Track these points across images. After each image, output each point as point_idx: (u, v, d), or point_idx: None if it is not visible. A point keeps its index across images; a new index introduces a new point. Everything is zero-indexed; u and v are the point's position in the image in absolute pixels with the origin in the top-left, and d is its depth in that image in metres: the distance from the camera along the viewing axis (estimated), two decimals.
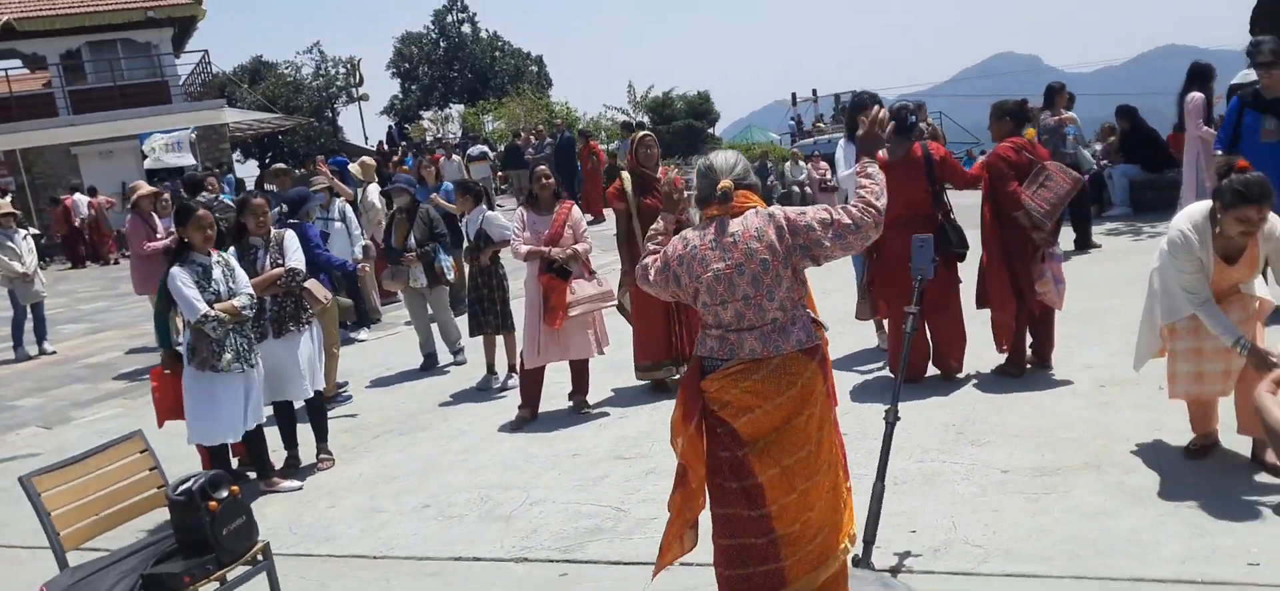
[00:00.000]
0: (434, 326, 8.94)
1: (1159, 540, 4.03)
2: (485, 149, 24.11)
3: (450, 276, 9.15)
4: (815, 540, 3.28)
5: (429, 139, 35.48)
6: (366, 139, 42.57)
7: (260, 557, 4.11)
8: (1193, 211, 4.46)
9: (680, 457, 3.39)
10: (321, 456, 6.53)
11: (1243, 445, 4.70)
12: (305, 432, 6.53)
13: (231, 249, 6.18)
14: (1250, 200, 4.13)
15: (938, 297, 6.36)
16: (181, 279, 5.53)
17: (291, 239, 6.54)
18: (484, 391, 7.92)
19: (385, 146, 35.20)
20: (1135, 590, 3.70)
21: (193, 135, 24.30)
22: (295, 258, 6.41)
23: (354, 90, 47.37)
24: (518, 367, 7.93)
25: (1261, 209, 4.16)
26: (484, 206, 8.05)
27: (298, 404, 6.49)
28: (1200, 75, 9.20)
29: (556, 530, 5.02)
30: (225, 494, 3.97)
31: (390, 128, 43.98)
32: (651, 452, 5.93)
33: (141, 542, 4.14)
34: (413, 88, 50.75)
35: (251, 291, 5.84)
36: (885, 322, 7.08)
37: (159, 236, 10.29)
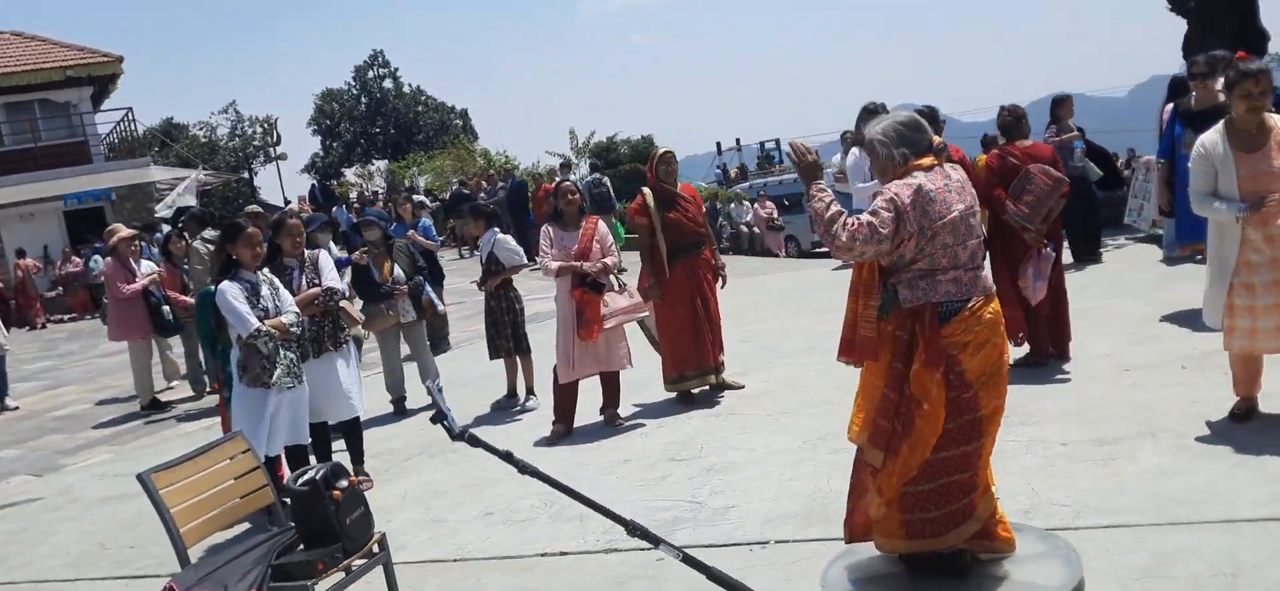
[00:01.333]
0: (406, 367, 8.69)
1: (1237, 488, 4.29)
2: (424, 199, 24.02)
3: (440, 307, 9.15)
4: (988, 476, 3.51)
5: (354, 196, 35.11)
6: (285, 199, 41.96)
7: (376, 549, 4.10)
8: (1205, 134, 4.98)
9: (930, 406, 3.35)
10: (361, 478, 6.47)
11: None
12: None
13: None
14: (1248, 75, 4.68)
15: None
16: (232, 294, 5.49)
17: (326, 259, 6.53)
18: (503, 412, 7.93)
19: (308, 206, 34.69)
20: (1231, 529, 3.94)
21: (201, 174, 24.96)
22: (331, 277, 6.40)
23: (272, 149, 46.72)
24: (529, 386, 8.03)
25: (1259, 80, 4.68)
26: (496, 230, 8.12)
27: (332, 422, 6.45)
28: (1179, 88, 9.73)
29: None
30: (345, 483, 3.97)
31: (313, 186, 43.40)
32: (703, 453, 6.04)
33: (255, 539, 4.09)
34: (334, 144, 50.32)
35: (297, 310, 5.81)
36: None
37: (138, 279, 10.08)
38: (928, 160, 3.43)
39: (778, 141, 39.30)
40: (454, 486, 6.27)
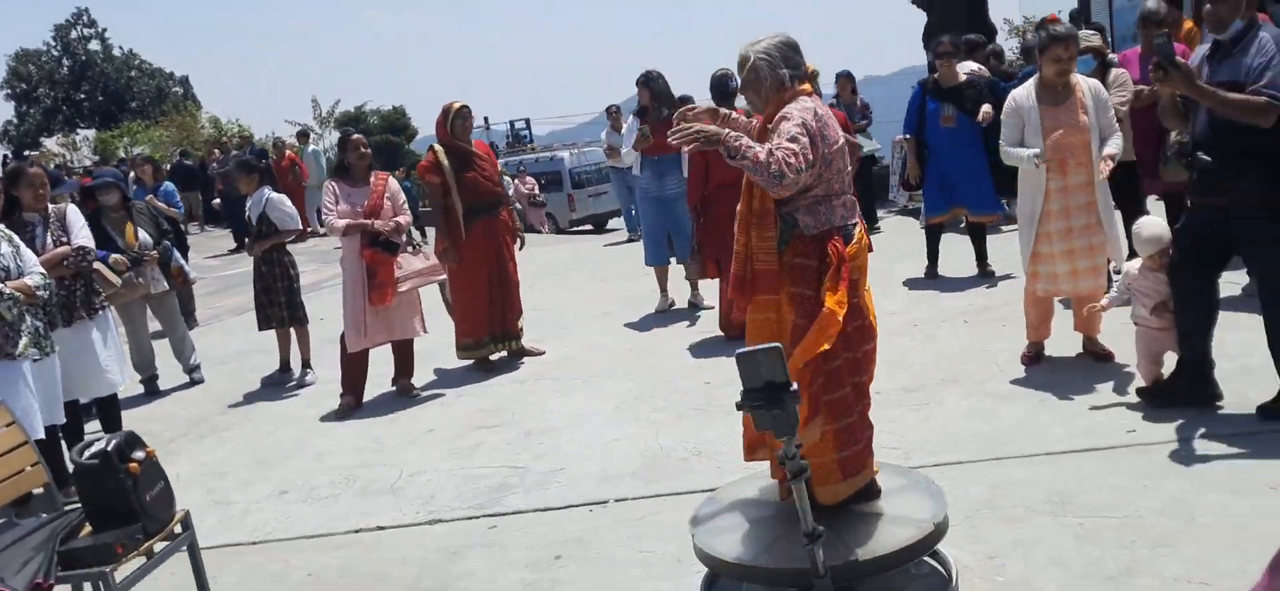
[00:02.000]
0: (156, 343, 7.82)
1: (1043, 425, 4.57)
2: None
3: (192, 276, 8.31)
4: None
5: (54, 166, 31.58)
6: None
7: (180, 528, 3.56)
8: (1017, 89, 5.31)
9: (831, 333, 3.13)
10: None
11: (1067, 349, 5.45)
12: None
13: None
14: (1059, 40, 4.99)
15: None
16: None
17: (75, 215, 5.71)
18: (277, 388, 7.27)
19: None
20: (1051, 462, 4.17)
21: None
22: (83, 235, 5.60)
23: None
24: (305, 359, 7.42)
25: (1068, 46, 5.01)
26: (267, 188, 7.41)
27: (85, 400, 5.65)
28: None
29: (458, 493, 4.77)
30: (143, 454, 3.42)
31: (5, 155, 38.65)
32: (516, 418, 5.77)
33: (25, 524, 3.44)
34: (31, 111, 45.01)
35: (43, 271, 5.01)
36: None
37: None
38: (806, 86, 3.36)
39: (527, 121, 39.10)
40: (237, 465, 5.65)
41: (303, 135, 21.04)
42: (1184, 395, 4.46)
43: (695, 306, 8.01)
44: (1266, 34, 4.07)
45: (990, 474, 4.15)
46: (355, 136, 6.69)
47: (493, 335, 6.94)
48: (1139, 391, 4.69)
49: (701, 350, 6.73)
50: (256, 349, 8.38)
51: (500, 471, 4.97)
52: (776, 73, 3.29)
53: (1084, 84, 5.12)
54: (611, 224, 20.09)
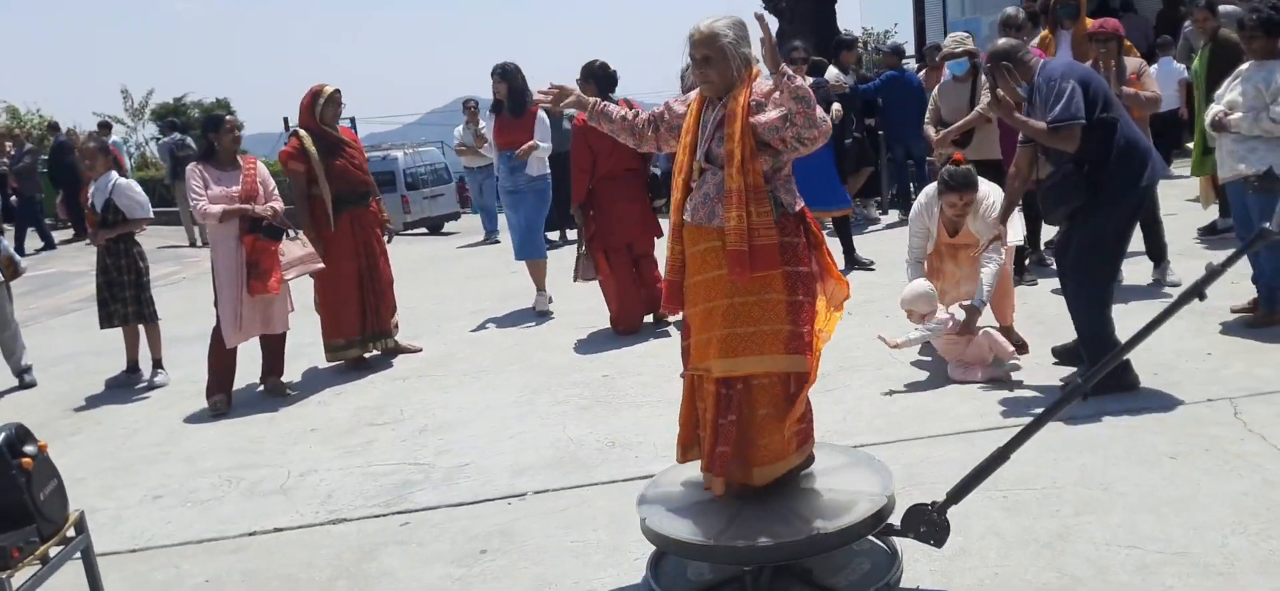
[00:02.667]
0: None
1: (947, 407, 4.72)
2: None
3: (22, 266, 7.61)
4: None
5: None
6: None
7: (74, 531, 3.19)
8: (930, 188, 5.39)
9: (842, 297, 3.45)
10: None
11: None
12: None
13: None
14: (952, 189, 5.10)
15: (645, 245, 6.77)
16: None
17: None
18: (125, 391, 6.71)
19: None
20: (963, 440, 4.30)
21: None
22: None
23: None
24: (156, 358, 6.88)
25: (963, 195, 5.11)
26: (114, 173, 6.82)
27: None
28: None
29: (359, 491, 4.50)
30: (34, 449, 3.04)
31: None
32: (406, 415, 5.52)
33: None
34: None
35: None
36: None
37: None
38: (756, 71, 3.34)
39: (353, 120, 37.74)
40: (94, 471, 5.15)
41: (104, 125, 19.80)
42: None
43: (542, 313, 7.65)
44: (1039, 77, 4.58)
45: (904, 454, 4.23)
46: (229, 119, 6.25)
47: (365, 334, 6.62)
48: (1054, 350, 5.14)
49: (591, 344, 6.63)
50: (89, 350, 7.76)
51: (401, 468, 4.72)
52: (741, 52, 3.24)
53: (982, 202, 5.22)
54: (450, 227, 19.53)
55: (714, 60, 3.21)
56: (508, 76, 7.54)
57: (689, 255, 3.33)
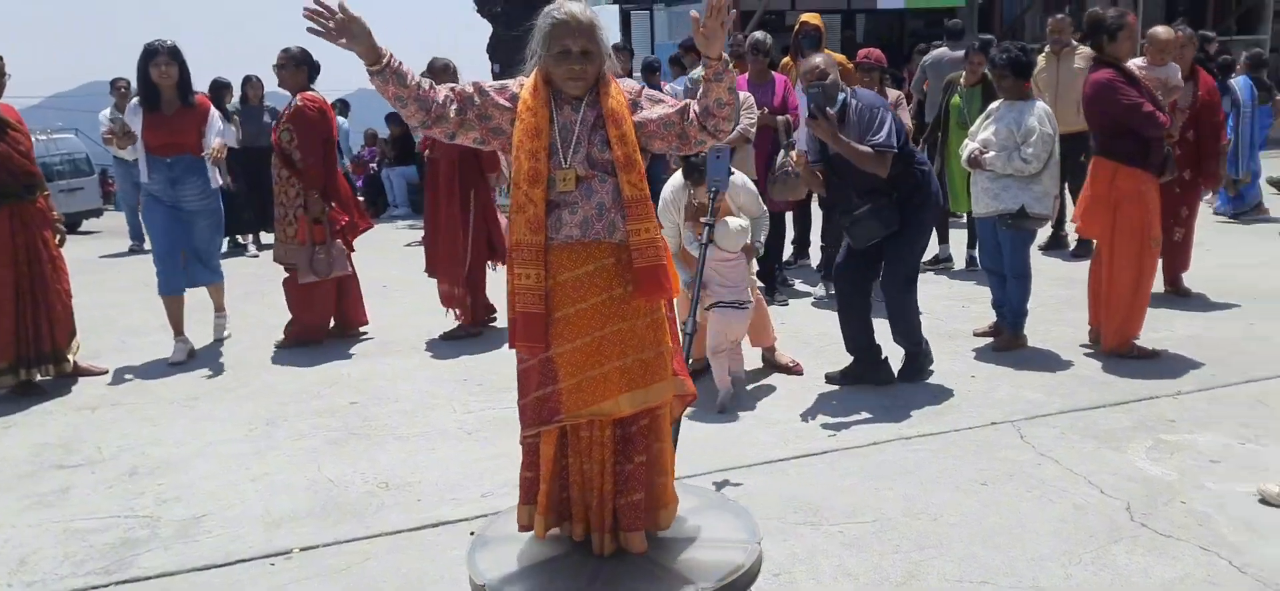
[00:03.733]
0: None
1: (752, 434, 4.49)
2: None
3: None
4: None
5: None
6: None
7: None
8: (675, 178, 5.18)
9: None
10: None
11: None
12: None
13: None
14: (687, 175, 5.00)
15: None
16: None
17: None
18: None
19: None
20: (773, 470, 4.07)
21: None
22: None
23: None
24: None
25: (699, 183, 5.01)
26: None
27: None
28: None
29: (63, 554, 3.54)
30: None
31: None
32: (107, 453, 4.51)
33: None
34: None
35: None
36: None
37: None
38: None
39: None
40: None
41: None
42: (866, 377, 5.09)
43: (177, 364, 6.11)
44: (854, 100, 4.79)
45: (735, 479, 3.95)
46: None
47: (25, 358, 5.39)
48: (827, 376, 5.14)
49: (323, 365, 5.82)
50: None
51: (117, 523, 3.78)
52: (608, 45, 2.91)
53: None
54: (89, 225, 17.01)
55: (593, 55, 2.83)
56: (178, 57, 5.93)
57: (563, 281, 2.85)
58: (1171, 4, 18.36)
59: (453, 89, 3.02)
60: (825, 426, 4.55)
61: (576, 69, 2.86)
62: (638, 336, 2.89)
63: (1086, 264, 7.61)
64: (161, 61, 5.81)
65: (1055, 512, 3.60)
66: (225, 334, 6.61)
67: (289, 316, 6.30)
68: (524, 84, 2.95)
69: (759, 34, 7.18)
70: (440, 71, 6.18)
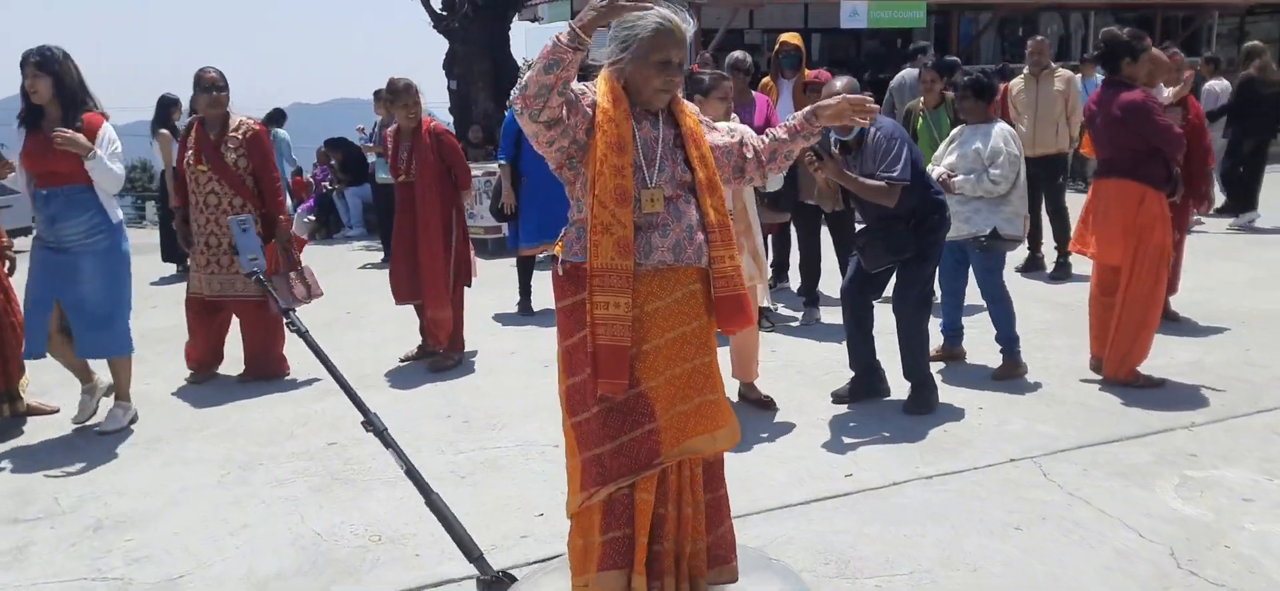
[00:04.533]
0: None
1: (762, 472, 4.25)
2: None
3: None
4: None
5: None
6: None
7: None
8: None
9: None
10: None
11: None
12: None
13: None
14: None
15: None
16: None
17: None
18: None
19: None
20: (795, 514, 3.85)
21: None
22: None
23: None
24: None
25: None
26: None
27: None
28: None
29: None
30: None
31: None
32: (68, 504, 4.14)
33: None
34: None
35: None
36: None
37: None
38: None
39: None
40: None
41: None
42: (864, 394, 5.13)
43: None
44: (877, 130, 4.70)
45: (745, 531, 3.71)
46: None
47: None
48: (833, 394, 5.18)
49: (291, 398, 5.48)
50: None
51: (85, 586, 3.43)
52: None
53: None
54: (23, 244, 16.18)
55: (683, 66, 2.70)
56: (49, 66, 4.76)
57: (651, 310, 2.69)
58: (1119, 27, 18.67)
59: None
60: (839, 464, 4.34)
61: (675, 81, 2.70)
62: (713, 372, 2.82)
63: (1069, 286, 7.68)
64: (29, 71, 4.74)
65: (1099, 560, 3.43)
66: (119, 423, 5.04)
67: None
68: (595, 89, 2.71)
69: (739, 53, 7.01)
70: (403, 90, 5.92)
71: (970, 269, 5.57)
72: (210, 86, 5.68)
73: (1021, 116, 8.02)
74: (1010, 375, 5.42)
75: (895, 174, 4.60)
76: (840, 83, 4.61)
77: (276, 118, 12.16)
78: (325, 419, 5.11)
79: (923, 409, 4.92)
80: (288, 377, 5.89)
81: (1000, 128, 5.41)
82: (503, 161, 7.23)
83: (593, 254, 2.60)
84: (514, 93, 2.63)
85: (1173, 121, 5.21)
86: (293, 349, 6.45)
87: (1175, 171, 5.23)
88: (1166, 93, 6.09)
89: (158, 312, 7.76)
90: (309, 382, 5.77)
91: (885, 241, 4.77)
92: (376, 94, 10.24)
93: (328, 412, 5.21)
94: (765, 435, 4.71)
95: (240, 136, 5.68)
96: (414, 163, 5.93)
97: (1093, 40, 16.89)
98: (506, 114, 7.60)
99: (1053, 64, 8.11)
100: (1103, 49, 5.20)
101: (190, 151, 5.69)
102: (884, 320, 5.10)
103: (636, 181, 2.65)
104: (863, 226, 5.03)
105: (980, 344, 5.75)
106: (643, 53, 2.67)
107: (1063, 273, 7.91)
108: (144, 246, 8.89)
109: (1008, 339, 5.47)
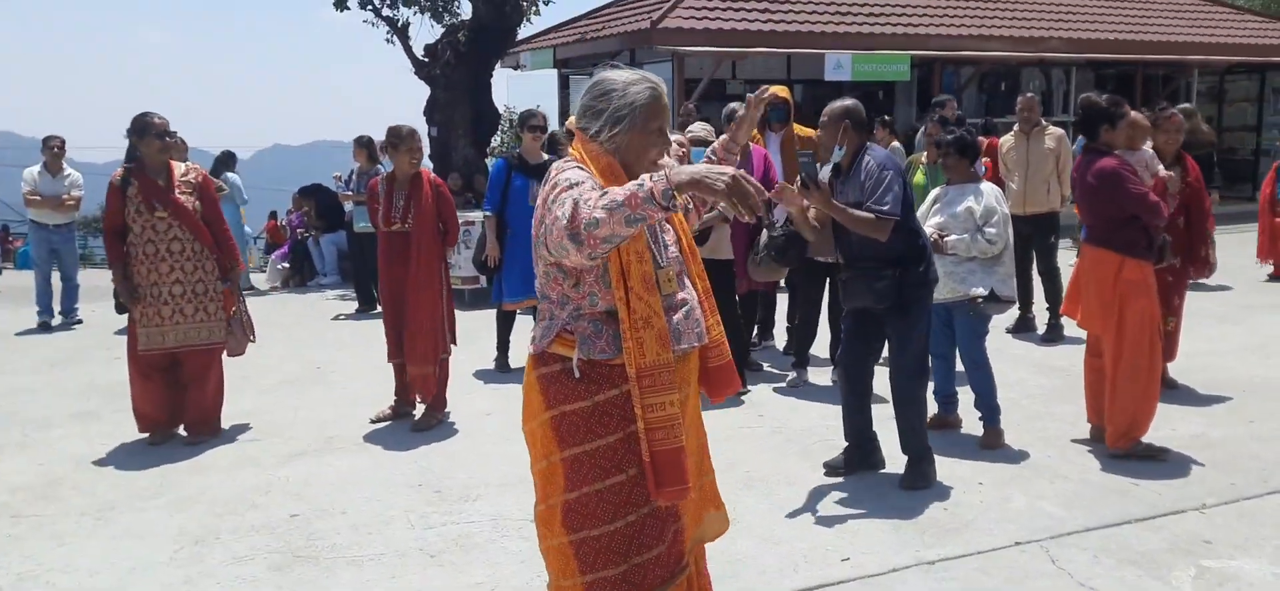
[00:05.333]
0: None
1: (751, 555, 4.01)
2: None
3: None
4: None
5: None
6: None
7: None
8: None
9: None
10: None
11: None
12: None
13: None
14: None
15: None
16: None
17: None
18: None
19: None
20: None
21: None
22: None
23: None
24: None
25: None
26: None
27: None
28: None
29: None
30: None
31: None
32: (9, 581, 3.80)
33: None
34: None
35: None
36: None
37: None
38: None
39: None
40: None
41: None
42: (858, 465, 4.90)
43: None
44: (870, 158, 4.56)
45: None
46: None
47: None
48: (825, 465, 4.94)
49: (253, 461, 5.19)
50: None
51: None
52: None
53: None
54: None
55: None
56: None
57: (682, 397, 2.56)
58: (1100, 88, 18.74)
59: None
60: (835, 545, 4.10)
61: (666, 146, 2.57)
62: (706, 448, 2.70)
63: (1063, 348, 7.50)
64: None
65: None
66: None
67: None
68: (582, 167, 2.49)
69: (734, 105, 6.84)
70: (407, 136, 5.75)
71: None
72: (162, 133, 5.47)
73: (1012, 174, 7.89)
74: (994, 444, 5.23)
75: (885, 207, 4.42)
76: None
77: (227, 161, 11.86)
78: (289, 486, 4.83)
79: (921, 483, 4.69)
80: (251, 435, 5.60)
81: (989, 187, 5.27)
82: (489, 212, 7.00)
83: (637, 352, 2.38)
84: (563, 214, 2.25)
85: (1148, 188, 5.05)
86: (259, 402, 6.20)
87: (1158, 239, 5.07)
88: (1158, 169, 5.91)
89: (120, 364, 7.44)
90: (274, 441, 5.49)
91: (863, 280, 4.61)
92: (357, 140, 10.01)
93: (292, 478, 4.93)
94: (755, 512, 4.46)
95: (192, 180, 5.55)
96: (412, 212, 5.71)
97: (1075, 95, 16.93)
98: (495, 164, 7.38)
99: (1042, 121, 7.99)
100: (1081, 115, 5.08)
101: (135, 203, 5.41)
102: (876, 386, 4.89)
103: (659, 258, 2.51)
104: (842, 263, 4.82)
105: (976, 412, 5.53)
106: (640, 122, 2.50)
107: (1054, 335, 7.74)
108: (108, 290, 8.56)
109: (990, 407, 5.30)
